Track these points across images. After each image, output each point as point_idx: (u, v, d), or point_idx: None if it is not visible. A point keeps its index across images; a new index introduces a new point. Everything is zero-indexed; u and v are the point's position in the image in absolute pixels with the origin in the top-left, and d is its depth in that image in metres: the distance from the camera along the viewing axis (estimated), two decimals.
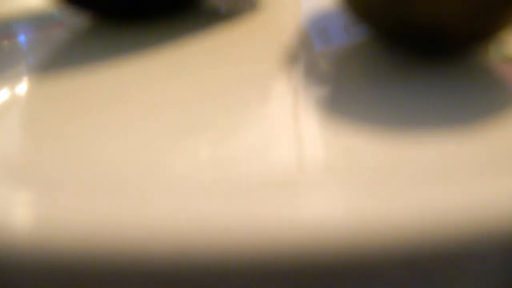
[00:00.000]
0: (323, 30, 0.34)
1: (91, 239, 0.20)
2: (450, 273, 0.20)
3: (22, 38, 0.37)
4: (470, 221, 0.20)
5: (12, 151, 0.25)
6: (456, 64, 0.30)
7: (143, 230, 0.20)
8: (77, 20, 0.37)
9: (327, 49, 0.32)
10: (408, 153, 0.23)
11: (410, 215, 0.20)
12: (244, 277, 0.19)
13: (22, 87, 0.30)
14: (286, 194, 0.21)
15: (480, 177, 0.22)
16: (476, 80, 0.29)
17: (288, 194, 0.21)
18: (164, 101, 0.28)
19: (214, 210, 0.21)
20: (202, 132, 0.25)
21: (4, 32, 0.37)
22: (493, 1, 0.25)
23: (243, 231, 0.20)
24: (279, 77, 0.29)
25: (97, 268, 0.19)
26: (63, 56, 0.33)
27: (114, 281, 0.20)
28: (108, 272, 0.19)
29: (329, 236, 0.19)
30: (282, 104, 0.27)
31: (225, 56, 0.32)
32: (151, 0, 0.34)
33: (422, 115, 0.26)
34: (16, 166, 0.24)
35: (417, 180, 0.21)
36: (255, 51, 0.32)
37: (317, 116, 0.26)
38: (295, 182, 0.22)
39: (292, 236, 0.19)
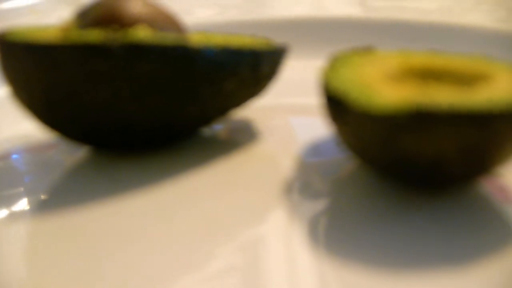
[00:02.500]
0: (319, 155, 0.35)
1: None
2: None
3: (15, 159, 0.38)
4: None
5: None
6: (451, 191, 0.30)
7: None
8: (73, 145, 0.37)
9: (322, 173, 0.33)
10: None
11: None
12: None
13: (18, 222, 0.30)
14: None
15: None
16: (474, 208, 0.29)
17: None
18: (164, 234, 0.28)
19: None
20: (198, 271, 0.26)
21: (4, 151, 0.38)
22: (488, 139, 0.26)
23: None
24: (276, 206, 0.30)
25: None
26: (58, 183, 0.33)
27: None
28: None
29: None
30: (278, 243, 0.28)
31: (224, 186, 0.32)
32: (147, 135, 0.34)
33: (419, 248, 0.26)
34: None
35: None
36: (253, 181, 0.33)
37: (312, 247, 0.27)
38: None
39: None
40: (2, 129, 0.41)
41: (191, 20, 0.54)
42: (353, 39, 0.52)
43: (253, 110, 0.40)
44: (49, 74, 0.30)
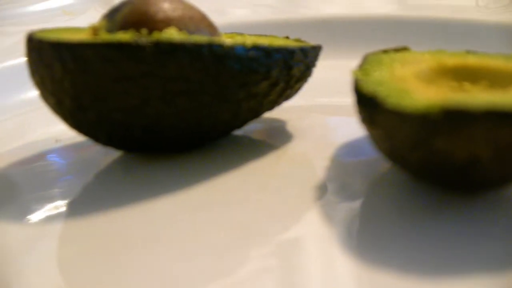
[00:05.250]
0: (354, 155, 0.35)
1: None
2: None
3: (50, 160, 0.38)
4: None
5: None
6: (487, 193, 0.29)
7: None
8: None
9: (357, 174, 0.33)
10: None
11: None
12: None
13: (53, 221, 0.30)
14: None
15: None
16: (509, 210, 0.28)
17: None
18: (197, 236, 0.28)
19: None
20: (233, 273, 0.26)
21: (36, 154, 0.38)
22: None
23: None
24: (311, 207, 0.30)
25: None
26: (91, 185, 0.34)
27: None
28: None
29: None
30: (313, 244, 0.28)
31: (258, 187, 0.32)
32: (178, 139, 0.34)
33: (454, 250, 0.26)
34: None
35: None
36: (287, 182, 0.33)
37: (347, 248, 0.26)
38: None
39: None
40: (37, 130, 0.42)
41: (224, 20, 0.54)
42: (388, 38, 0.52)
43: (287, 111, 0.40)
44: (77, 75, 0.30)
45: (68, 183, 0.34)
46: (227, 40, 0.32)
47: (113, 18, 0.32)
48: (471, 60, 0.31)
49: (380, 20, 0.57)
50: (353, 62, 0.33)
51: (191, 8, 0.34)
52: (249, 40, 0.34)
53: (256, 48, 0.32)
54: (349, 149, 0.35)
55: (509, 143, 0.24)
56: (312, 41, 0.40)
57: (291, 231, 0.28)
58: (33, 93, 0.40)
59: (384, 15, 0.57)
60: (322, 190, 0.31)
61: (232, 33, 0.38)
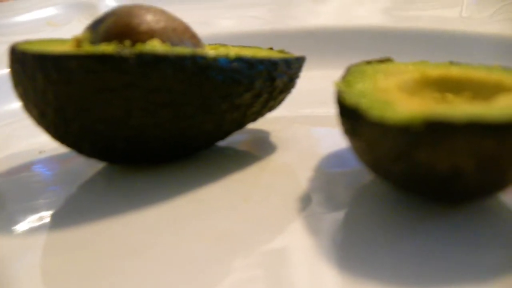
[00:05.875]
0: (337, 165, 0.35)
1: None
2: None
3: (38, 170, 0.38)
4: None
5: None
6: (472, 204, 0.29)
7: None
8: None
9: (341, 184, 0.33)
10: None
11: None
12: None
13: (37, 231, 0.30)
14: None
15: None
16: (494, 221, 0.28)
17: None
18: (181, 248, 0.28)
19: None
20: (216, 285, 0.26)
21: (20, 165, 0.38)
22: (508, 152, 0.25)
23: None
24: (294, 218, 0.30)
25: None
26: (74, 196, 0.34)
27: None
28: None
29: None
30: (297, 255, 0.28)
31: (241, 198, 0.32)
32: (161, 150, 0.34)
33: (440, 261, 0.26)
34: None
35: None
36: (270, 192, 0.33)
37: (331, 259, 0.26)
38: None
39: None
40: (20, 141, 0.42)
41: (209, 31, 0.54)
42: (373, 48, 0.52)
43: (270, 122, 0.40)
44: (60, 86, 0.30)
45: (52, 195, 0.34)
46: (210, 52, 0.32)
47: (96, 29, 0.32)
48: (454, 72, 0.31)
49: (365, 31, 0.57)
50: (338, 73, 0.33)
51: (174, 19, 0.34)
52: (233, 52, 0.34)
53: (239, 59, 0.33)
54: (333, 160, 0.35)
55: (491, 154, 0.24)
56: (297, 52, 0.40)
57: (275, 241, 0.28)
58: (16, 104, 0.40)
59: (369, 26, 0.58)
60: (306, 200, 0.31)
61: (216, 44, 0.38)
